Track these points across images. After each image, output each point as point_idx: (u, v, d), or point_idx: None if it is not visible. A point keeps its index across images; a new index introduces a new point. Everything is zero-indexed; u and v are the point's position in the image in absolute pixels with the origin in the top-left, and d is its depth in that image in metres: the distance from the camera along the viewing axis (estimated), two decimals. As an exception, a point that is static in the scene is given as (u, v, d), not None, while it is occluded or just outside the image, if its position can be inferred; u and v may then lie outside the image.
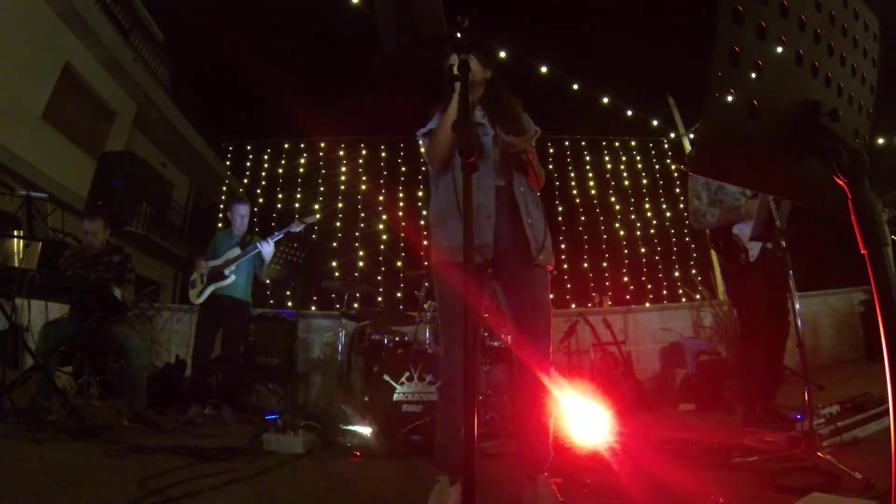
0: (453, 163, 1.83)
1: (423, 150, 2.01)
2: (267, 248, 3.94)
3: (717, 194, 3.04)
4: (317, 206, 7.24)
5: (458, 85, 1.35)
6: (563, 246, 7.39)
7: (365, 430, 2.68)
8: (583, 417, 2.74)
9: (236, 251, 4.05)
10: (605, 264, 7.33)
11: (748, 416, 2.86)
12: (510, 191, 1.83)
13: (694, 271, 6.81)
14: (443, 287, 1.83)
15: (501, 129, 1.89)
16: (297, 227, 3.97)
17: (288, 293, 6.39)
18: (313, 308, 6.12)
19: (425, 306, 3.93)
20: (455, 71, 1.35)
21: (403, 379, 2.97)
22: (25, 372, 3.12)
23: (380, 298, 6.38)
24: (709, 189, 3.07)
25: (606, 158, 7.79)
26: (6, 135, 7.27)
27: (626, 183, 7.74)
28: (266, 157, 7.77)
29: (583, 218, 7.56)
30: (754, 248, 2.86)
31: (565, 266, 7.25)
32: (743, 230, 2.90)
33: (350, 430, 2.73)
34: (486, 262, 1.80)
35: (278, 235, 3.95)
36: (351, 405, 3.25)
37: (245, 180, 7.87)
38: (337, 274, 6.39)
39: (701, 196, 3.08)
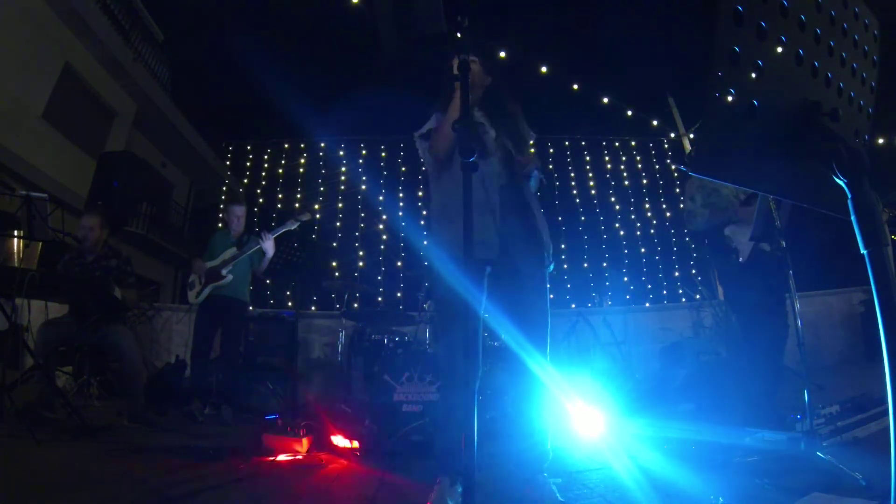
0: (455, 159, 1.83)
1: (420, 151, 2.01)
2: (268, 245, 3.95)
3: (711, 197, 3.04)
4: (317, 206, 7.25)
5: (458, 84, 1.36)
6: (563, 246, 7.39)
7: (350, 443, 2.64)
8: (583, 417, 2.74)
9: (233, 251, 4.05)
10: (605, 264, 7.33)
11: (748, 416, 2.86)
12: (516, 190, 1.84)
13: (694, 271, 6.82)
14: (444, 283, 1.79)
15: (501, 130, 1.91)
16: (292, 225, 3.99)
17: (288, 293, 6.39)
18: (313, 308, 6.12)
19: (425, 306, 3.93)
20: (455, 70, 1.35)
21: (403, 379, 2.97)
22: (25, 372, 3.11)
23: (380, 298, 6.38)
24: (703, 191, 3.07)
25: (606, 158, 7.80)
26: (6, 135, 7.26)
27: (626, 183, 7.75)
28: (266, 157, 7.78)
29: (583, 218, 7.56)
30: (745, 249, 2.86)
31: (565, 266, 7.26)
32: (734, 231, 2.91)
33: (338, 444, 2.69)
34: (488, 260, 1.80)
35: (277, 231, 3.97)
36: (350, 406, 3.24)
37: (245, 180, 7.87)
38: (337, 274, 6.39)
39: (695, 198, 3.07)
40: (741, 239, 2.85)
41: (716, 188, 3.03)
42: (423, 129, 1.96)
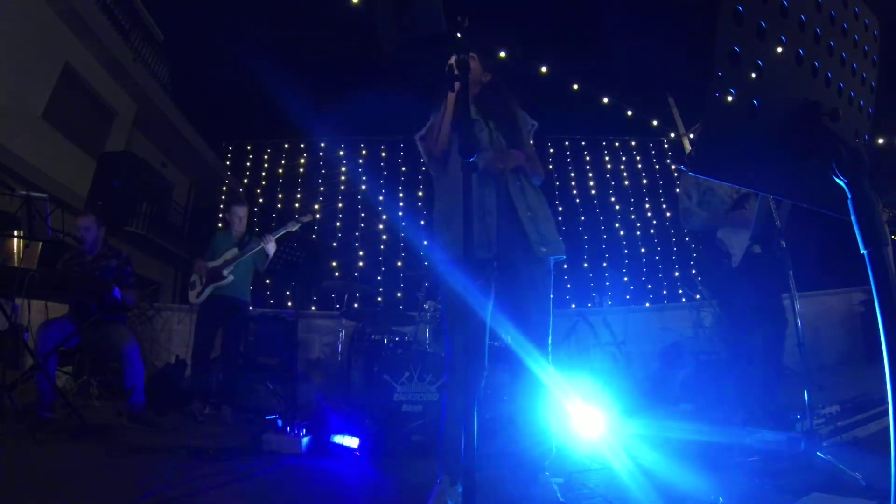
0: (452, 162, 1.84)
1: (421, 153, 2.01)
2: (270, 246, 3.96)
3: (706, 195, 3.03)
4: (317, 206, 7.25)
5: (457, 84, 1.35)
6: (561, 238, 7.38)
7: (352, 442, 2.65)
8: (583, 417, 2.73)
9: (235, 251, 4.06)
10: (605, 264, 7.33)
11: (748, 416, 2.86)
12: (507, 186, 1.84)
13: (694, 271, 6.81)
14: (448, 285, 1.80)
15: (495, 126, 1.91)
16: (293, 227, 3.99)
17: (288, 293, 6.39)
18: (313, 308, 6.12)
19: (425, 306, 3.93)
20: (455, 70, 1.35)
21: (403, 379, 2.97)
22: (25, 372, 3.11)
23: (380, 298, 6.38)
24: (699, 189, 3.05)
25: (606, 158, 7.80)
26: (6, 135, 7.26)
27: (626, 183, 7.75)
28: (266, 157, 7.78)
29: (583, 218, 7.56)
30: (738, 253, 2.87)
31: (565, 266, 7.26)
32: (726, 234, 2.92)
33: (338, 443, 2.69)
34: (491, 258, 1.79)
35: (278, 233, 3.97)
36: (348, 407, 3.24)
37: (245, 180, 7.88)
38: (337, 274, 6.39)
39: (691, 195, 3.06)
40: (733, 242, 2.87)
41: (710, 186, 3.01)
42: (423, 131, 1.97)
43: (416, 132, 2.02)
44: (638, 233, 7.54)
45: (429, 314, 3.84)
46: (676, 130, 7.43)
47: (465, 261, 1.16)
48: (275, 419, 3.02)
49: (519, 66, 6.47)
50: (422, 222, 7.11)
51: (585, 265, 7.33)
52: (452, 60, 1.41)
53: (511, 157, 1.83)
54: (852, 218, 0.73)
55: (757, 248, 2.78)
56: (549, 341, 1.82)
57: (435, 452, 1.81)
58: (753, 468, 2.03)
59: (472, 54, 1.93)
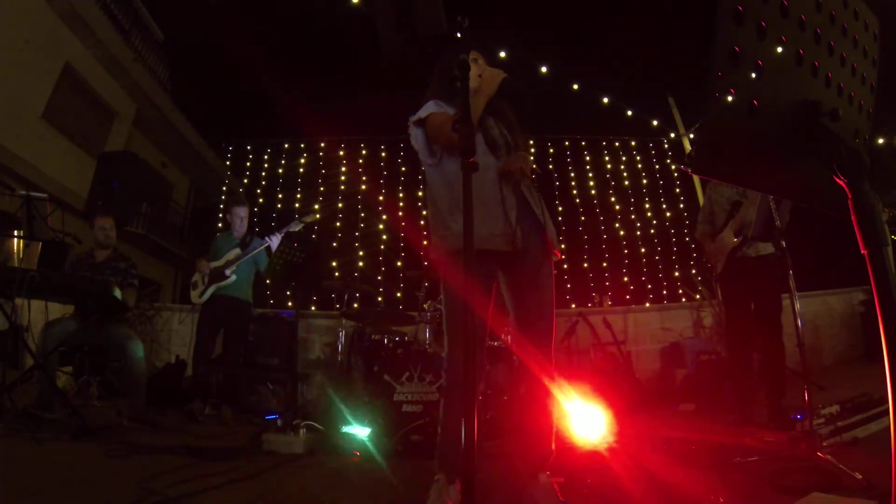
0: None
1: (412, 137, 1.92)
2: (274, 242, 3.96)
3: (714, 208, 3.22)
4: (317, 206, 7.25)
5: (471, 79, 1.35)
6: (563, 246, 7.38)
7: (363, 432, 2.69)
8: (583, 417, 2.73)
9: (237, 252, 4.06)
10: (605, 264, 7.33)
11: (748, 415, 2.88)
12: (518, 184, 1.85)
13: (694, 271, 6.81)
14: (454, 279, 1.74)
15: (503, 125, 1.92)
16: (296, 227, 3.99)
17: (288, 293, 6.39)
18: (313, 308, 6.11)
19: (425, 306, 3.93)
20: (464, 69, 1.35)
21: (403, 379, 2.97)
22: (25, 372, 3.11)
23: (380, 298, 6.38)
24: (710, 204, 3.25)
25: (606, 158, 7.80)
26: (6, 135, 7.26)
27: (626, 183, 7.74)
28: (266, 157, 7.77)
29: (583, 218, 7.56)
30: (719, 264, 3.07)
31: (565, 266, 7.25)
32: (717, 241, 3.13)
33: (348, 433, 2.74)
34: (508, 252, 1.75)
35: (280, 233, 3.98)
36: (351, 405, 3.24)
37: (245, 180, 7.87)
38: (337, 274, 6.39)
39: (704, 213, 3.32)
40: (716, 251, 3.12)
41: (717, 199, 3.20)
42: (422, 115, 1.87)
43: (410, 117, 1.94)
44: (638, 233, 7.53)
45: (429, 314, 3.84)
46: (676, 130, 7.43)
47: (467, 256, 1.15)
48: (275, 419, 3.03)
49: (519, 66, 6.47)
50: (422, 222, 7.11)
51: (585, 265, 7.32)
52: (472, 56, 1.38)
53: (525, 159, 1.85)
54: (852, 218, 0.73)
55: (770, 248, 2.83)
56: (554, 340, 1.82)
57: (434, 452, 1.81)
58: (753, 468, 2.03)
59: (476, 55, 1.91)
